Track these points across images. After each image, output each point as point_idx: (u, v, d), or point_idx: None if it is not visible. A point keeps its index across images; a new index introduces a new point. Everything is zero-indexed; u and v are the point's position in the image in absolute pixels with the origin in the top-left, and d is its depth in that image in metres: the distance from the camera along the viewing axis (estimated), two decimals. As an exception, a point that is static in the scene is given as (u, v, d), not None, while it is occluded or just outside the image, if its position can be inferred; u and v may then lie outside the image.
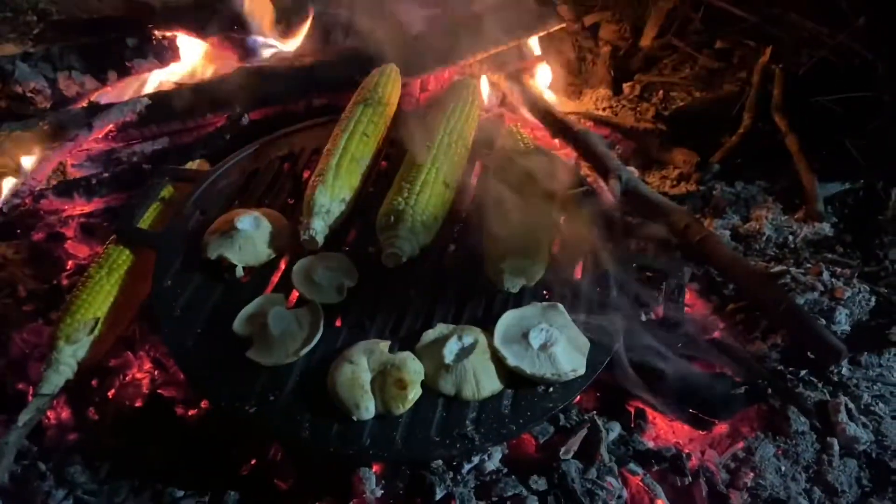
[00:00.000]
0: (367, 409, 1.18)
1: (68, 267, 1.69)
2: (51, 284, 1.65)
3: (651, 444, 1.31)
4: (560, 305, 1.31)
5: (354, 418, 1.18)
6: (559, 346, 1.24)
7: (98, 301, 1.41)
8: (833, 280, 1.59)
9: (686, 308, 1.42)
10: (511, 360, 1.22)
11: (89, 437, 1.36)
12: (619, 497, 1.22)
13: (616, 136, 2.01)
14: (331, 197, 1.45)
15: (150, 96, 1.89)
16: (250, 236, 1.42)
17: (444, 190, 1.49)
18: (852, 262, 1.65)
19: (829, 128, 1.91)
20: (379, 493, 1.19)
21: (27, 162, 1.81)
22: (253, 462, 1.30)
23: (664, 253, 1.53)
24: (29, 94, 1.96)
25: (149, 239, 1.49)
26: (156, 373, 1.45)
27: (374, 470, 1.21)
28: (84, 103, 1.92)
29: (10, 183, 1.80)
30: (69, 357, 1.35)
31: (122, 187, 1.78)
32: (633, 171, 1.76)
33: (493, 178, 1.55)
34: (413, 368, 1.22)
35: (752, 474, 1.26)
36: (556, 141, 1.87)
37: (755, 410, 1.34)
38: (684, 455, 1.28)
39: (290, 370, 1.25)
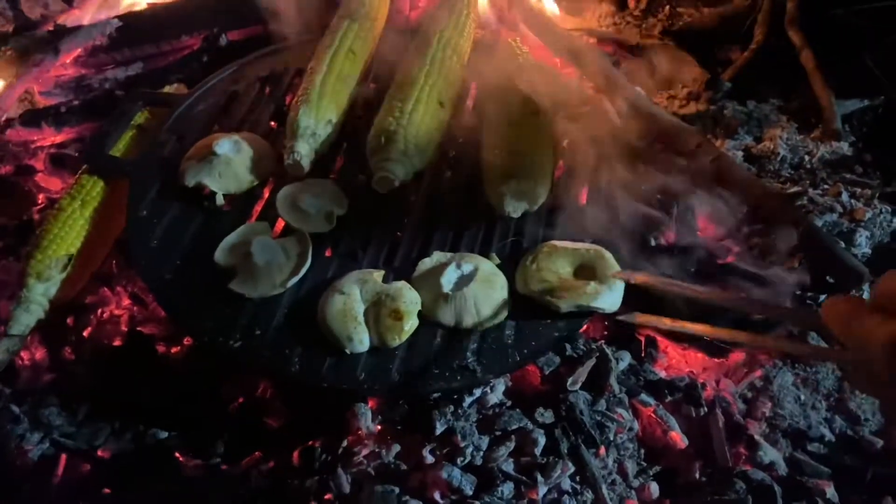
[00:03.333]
0: (361, 341, 1.10)
1: (39, 201, 1.59)
2: (20, 220, 1.55)
3: (663, 374, 1.23)
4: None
5: (347, 351, 1.10)
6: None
7: (71, 236, 1.31)
8: (852, 201, 1.50)
9: (698, 232, 1.35)
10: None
11: (65, 378, 1.28)
12: (631, 429, 1.15)
13: (621, 53, 1.89)
14: (316, 118, 1.34)
15: (120, 17, 1.76)
16: (230, 161, 1.32)
17: (438, 109, 1.38)
18: (872, 181, 1.56)
19: (846, 42, 1.79)
20: (375, 428, 1.12)
21: (-9, 90, 1.69)
22: (241, 400, 1.23)
23: (676, 175, 1.43)
24: (-12, 17, 1.83)
25: (122, 167, 1.38)
26: (135, 309, 1.36)
27: (369, 405, 1.14)
28: (50, 26, 1.78)
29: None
30: (40, 295, 1.26)
31: (93, 115, 1.66)
32: (639, 90, 1.64)
33: (492, 96, 1.44)
34: (409, 298, 1.14)
35: (770, 404, 1.20)
36: (558, 59, 1.75)
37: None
38: (699, 385, 1.21)
39: (278, 303, 1.16)
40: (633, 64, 1.86)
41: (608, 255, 1.20)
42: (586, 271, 1.19)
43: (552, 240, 1.23)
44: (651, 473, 1.14)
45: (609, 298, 1.15)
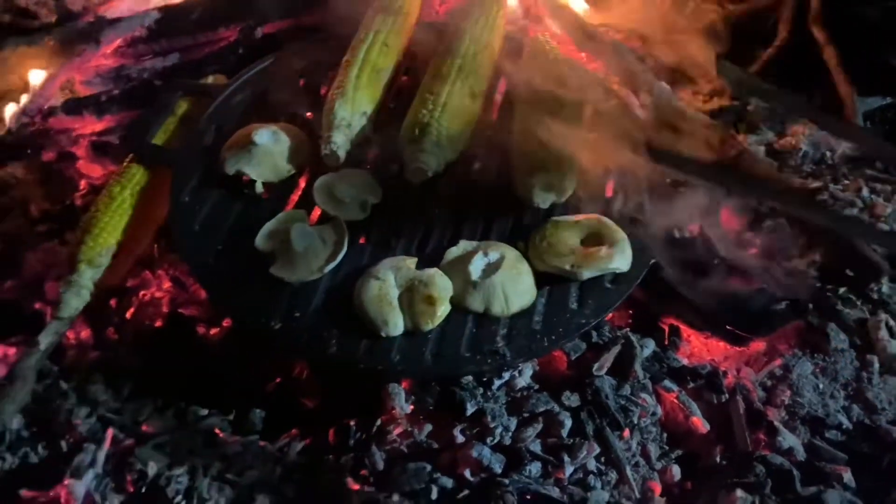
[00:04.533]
0: (396, 325, 1.15)
1: (81, 187, 1.65)
2: (63, 205, 1.61)
3: (686, 362, 1.27)
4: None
5: (383, 335, 1.14)
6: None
7: (120, 223, 1.36)
8: (872, 196, 1.53)
9: (722, 224, 1.38)
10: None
11: (110, 357, 1.34)
12: (654, 414, 1.20)
13: (646, 49, 1.92)
14: (352, 110, 1.39)
15: (159, 9, 1.81)
16: (269, 151, 1.37)
17: (470, 102, 1.42)
18: (893, 177, 1.59)
19: (869, 40, 1.81)
20: (408, 408, 1.17)
21: (34, 79, 1.75)
22: (277, 380, 1.28)
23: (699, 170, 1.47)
24: (33, 8, 1.88)
25: (165, 155, 1.43)
26: (175, 292, 1.42)
27: (403, 386, 1.18)
28: (91, 17, 1.84)
29: (17, 103, 1.75)
30: (88, 280, 1.31)
31: (133, 104, 1.71)
32: (663, 85, 1.67)
33: (521, 90, 1.48)
34: (442, 285, 1.18)
35: (789, 392, 1.23)
36: (584, 54, 1.78)
37: (792, 328, 1.30)
38: (720, 372, 1.24)
39: (315, 287, 1.21)
40: (657, 59, 1.89)
41: (609, 221, 1.26)
42: (593, 239, 1.25)
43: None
44: (673, 456, 1.18)
45: (622, 259, 1.22)
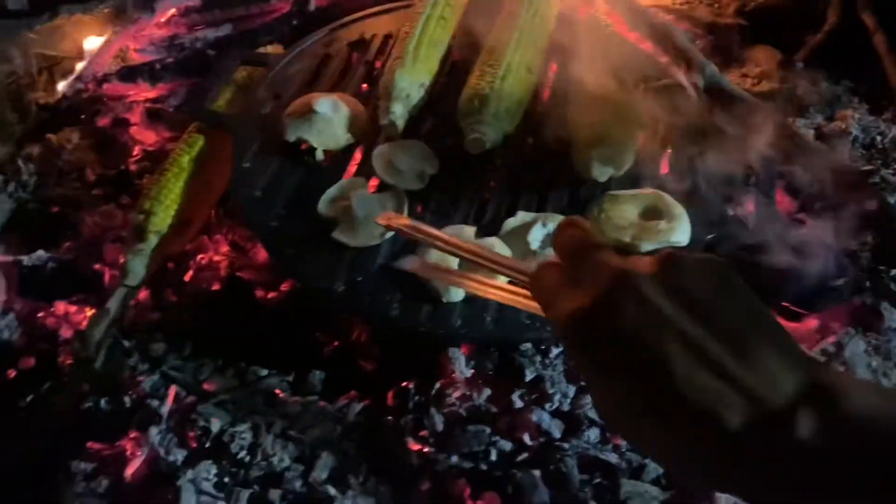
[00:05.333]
0: (457, 291, 1.16)
1: (135, 153, 1.67)
2: (118, 170, 1.63)
3: (740, 336, 1.28)
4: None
5: (444, 300, 1.16)
6: None
7: (186, 192, 1.38)
8: (923, 180, 1.54)
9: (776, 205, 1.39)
10: None
11: (170, 318, 1.36)
12: (710, 385, 1.21)
13: (696, 31, 1.93)
14: (411, 80, 1.40)
15: (214, -21, 1.84)
16: (329, 119, 1.38)
17: (527, 75, 1.43)
18: (943, 162, 1.59)
19: (919, 26, 1.81)
20: (468, 373, 1.19)
21: (89, 45, 1.77)
22: (336, 343, 1.30)
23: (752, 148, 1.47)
24: (88, -25, 1.91)
25: (226, 122, 1.45)
26: (234, 255, 1.44)
27: (462, 351, 1.20)
28: (144, -15, 1.86)
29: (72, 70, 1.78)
30: (153, 249, 1.33)
31: (186, 73, 1.74)
32: (714, 66, 1.68)
33: (577, 65, 1.49)
34: (502, 253, 1.20)
35: (842, 369, 1.24)
36: (635, 33, 1.79)
37: (846, 307, 1.32)
38: (774, 348, 1.26)
39: (376, 253, 1.23)
40: (706, 42, 1.90)
41: (667, 196, 1.27)
42: (651, 213, 1.26)
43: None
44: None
45: (682, 233, 1.23)
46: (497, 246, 1.21)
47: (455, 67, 1.57)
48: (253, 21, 1.82)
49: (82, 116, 1.73)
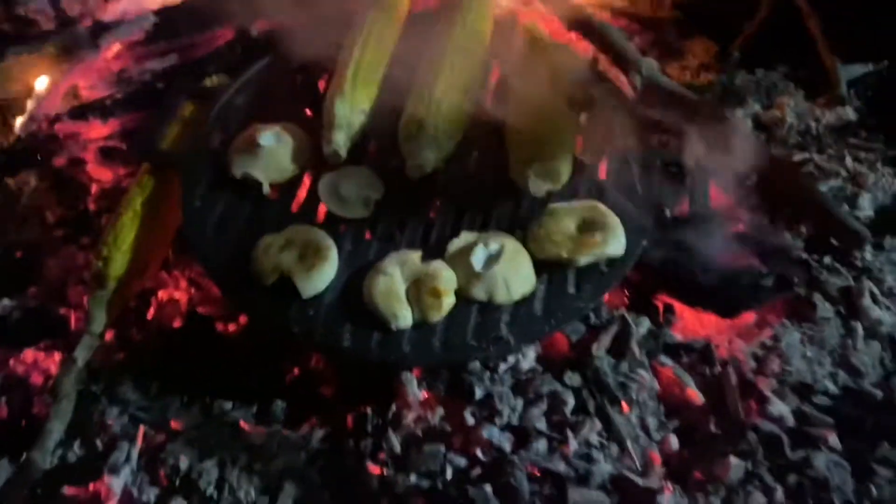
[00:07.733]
0: (405, 318, 1.21)
1: (93, 191, 1.70)
2: (77, 210, 1.67)
3: (680, 337, 1.34)
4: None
5: (393, 327, 1.21)
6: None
7: (141, 234, 1.41)
8: (856, 165, 1.59)
9: (711, 201, 1.43)
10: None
11: (134, 358, 1.41)
12: (651, 388, 1.27)
13: (633, 26, 1.96)
14: (350, 108, 1.44)
15: (155, 12, 1.85)
16: (274, 152, 1.42)
17: (464, 95, 1.47)
18: (876, 146, 1.64)
19: (851, 7, 1.84)
20: (421, 395, 1.24)
21: (40, 86, 1.79)
22: (296, 372, 1.35)
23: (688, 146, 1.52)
24: (32, 16, 1.91)
25: (175, 161, 1.48)
26: (192, 291, 1.48)
27: (414, 374, 1.26)
28: (88, 22, 1.87)
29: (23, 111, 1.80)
30: (114, 293, 1.37)
31: (136, 107, 1.77)
32: (652, 63, 1.71)
33: (512, 78, 1.52)
34: (446, 277, 1.24)
35: (778, 361, 1.30)
36: (572, 35, 1.82)
37: (782, 299, 1.37)
38: (713, 346, 1.32)
39: (328, 288, 1.27)
40: (645, 37, 1.93)
41: (602, 206, 1.32)
42: (588, 226, 1.30)
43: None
44: (671, 428, 1.25)
45: (616, 244, 1.28)
46: (442, 269, 1.25)
47: (396, 86, 1.59)
48: (198, 50, 1.84)
49: (38, 157, 1.76)
